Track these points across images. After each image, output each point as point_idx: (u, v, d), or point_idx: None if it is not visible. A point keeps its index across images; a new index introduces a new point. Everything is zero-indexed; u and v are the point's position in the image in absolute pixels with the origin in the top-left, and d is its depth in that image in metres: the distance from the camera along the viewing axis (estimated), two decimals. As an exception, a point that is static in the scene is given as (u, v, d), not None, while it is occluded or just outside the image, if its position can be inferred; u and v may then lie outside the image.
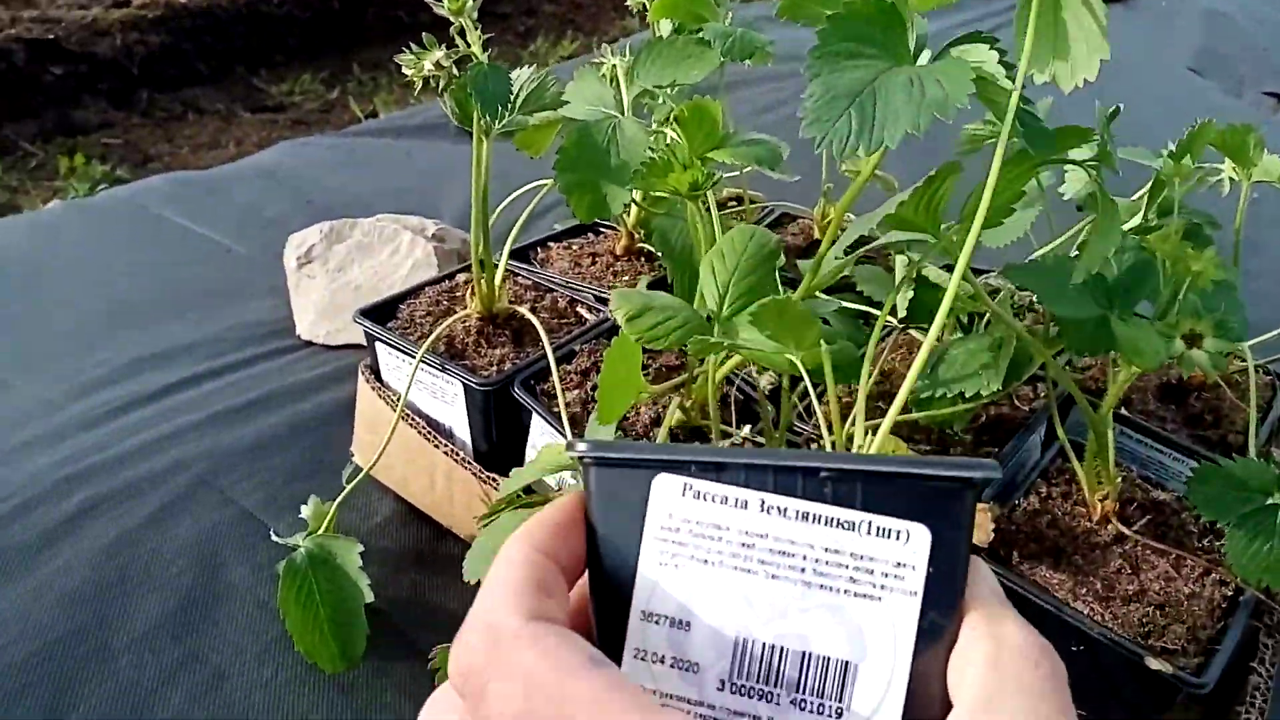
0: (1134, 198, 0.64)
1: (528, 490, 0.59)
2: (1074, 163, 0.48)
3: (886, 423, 0.48)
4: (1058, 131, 0.47)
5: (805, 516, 0.28)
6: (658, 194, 0.69)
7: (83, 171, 2.65)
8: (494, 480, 0.67)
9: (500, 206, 0.80)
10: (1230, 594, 0.54)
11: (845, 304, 0.66)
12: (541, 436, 0.67)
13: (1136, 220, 0.57)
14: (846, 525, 0.28)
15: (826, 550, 0.28)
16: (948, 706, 0.27)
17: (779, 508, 0.28)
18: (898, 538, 0.27)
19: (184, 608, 0.67)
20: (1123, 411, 0.66)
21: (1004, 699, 0.26)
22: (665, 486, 0.29)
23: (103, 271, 1.15)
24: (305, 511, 0.65)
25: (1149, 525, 0.57)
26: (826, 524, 0.28)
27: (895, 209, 0.45)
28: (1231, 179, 0.65)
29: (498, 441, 0.70)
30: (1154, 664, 0.49)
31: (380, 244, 1.03)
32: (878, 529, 0.28)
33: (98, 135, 2.97)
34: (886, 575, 0.28)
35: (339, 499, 0.65)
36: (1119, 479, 0.57)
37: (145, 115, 3.12)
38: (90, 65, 3.20)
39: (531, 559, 0.28)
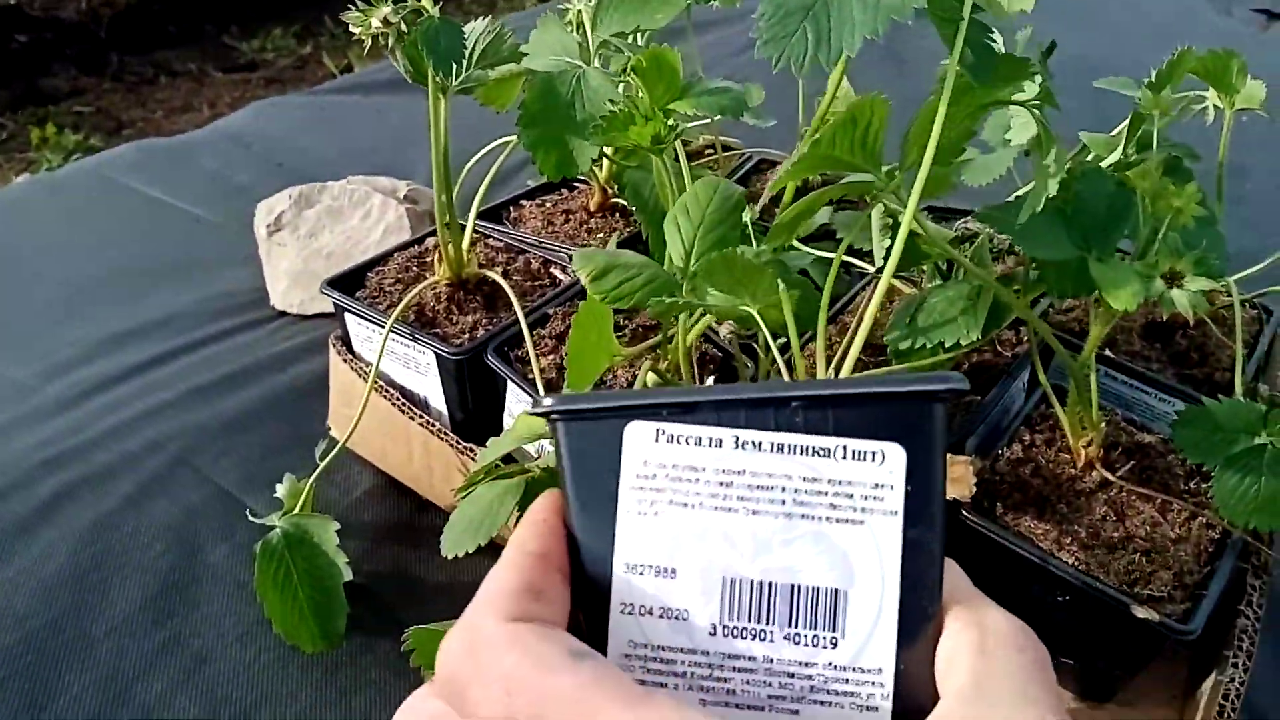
0: (1114, 132, 0.63)
1: (506, 460, 0.58)
2: (1014, 103, 0.46)
3: (848, 364, 0.47)
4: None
5: (780, 448, 0.28)
6: (624, 147, 0.67)
7: (55, 142, 2.61)
8: (471, 451, 0.66)
9: (468, 165, 0.78)
10: (1217, 537, 0.53)
11: (820, 253, 0.64)
12: (518, 404, 0.65)
13: (1115, 156, 0.55)
14: (822, 452, 0.28)
15: (804, 480, 0.28)
16: (936, 697, 0.27)
17: (754, 442, 0.28)
18: (873, 459, 0.27)
19: (164, 591, 0.66)
20: (1106, 353, 0.65)
21: (993, 683, 0.26)
22: (638, 433, 0.28)
23: (72, 247, 1.13)
24: (280, 490, 0.64)
25: (1134, 470, 0.56)
26: (802, 453, 0.28)
27: (810, 148, 0.43)
28: (1215, 106, 0.63)
29: (474, 411, 0.69)
30: (1140, 613, 0.48)
31: (351, 208, 1.01)
32: (853, 453, 0.28)
33: (68, 103, 2.91)
34: (866, 498, 0.27)
35: (313, 476, 0.64)
36: (1103, 423, 0.56)
37: (116, 80, 3.06)
38: (56, 31, 3.13)
39: (519, 562, 0.28)
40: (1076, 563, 0.52)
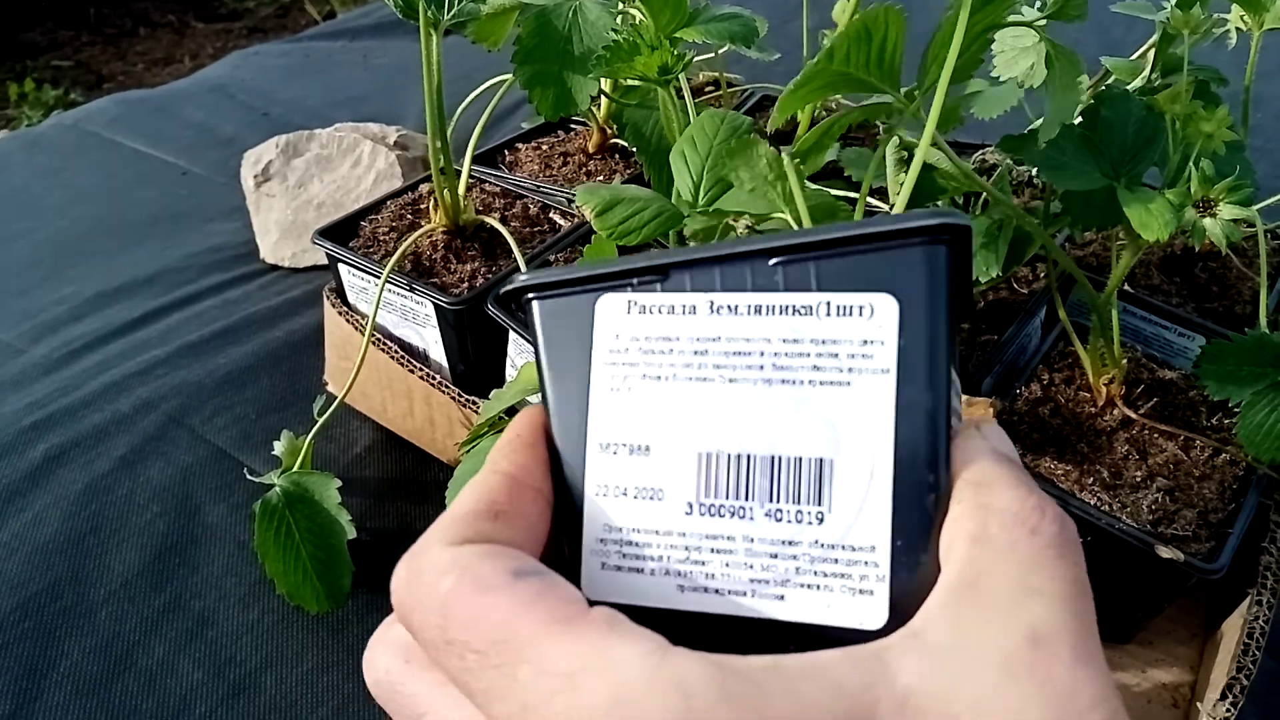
0: (1134, 56, 0.60)
1: (510, 412, 0.56)
2: (1022, 23, 0.43)
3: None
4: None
5: (758, 309, 0.25)
6: (627, 82, 0.64)
7: (34, 98, 2.55)
8: (473, 403, 0.64)
9: (461, 107, 0.75)
10: (1241, 474, 0.52)
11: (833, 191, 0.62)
12: (520, 354, 0.63)
13: (1140, 80, 0.53)
14: (803, 310, 0.25)
15: (784, 342, 0.25)
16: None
17: (729, 306, 0.26)
18: (860, 313, 0.25)
19: (162, 554, 0.65)
20: (1125, 287, 0.63)
21: (989, 576, 0.22)
22: (609, 306, 0.27)
23: (56, 204, 1.10)
24: (278, 447, 0.62)
25: (1156, 407, 0.55)
26: (782, 313, 0.25)
27: (820, 63, 0.40)
28: (1239, 29, 0.60)
29: (475, 362, 0.67)
30: (1165, 553, 0.47)
31: (340, 156, 0.98)
32: (837, 308, 0.25)
33: (47, 58, 2.85)
34: (853, 356, 0.25)
35: (312, 432, 0.62)
36: (1124, 360, 0.55)
37: (94, 33, 2.99)
38: (30, -17, 3.05)
39: (483, 481, 0.26)
40: (1099, 503, 0.50)
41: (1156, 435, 0.54)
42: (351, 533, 0.58)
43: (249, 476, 0.62)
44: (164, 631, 0.60)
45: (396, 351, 0.68)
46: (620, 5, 0.57)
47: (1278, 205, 0.66)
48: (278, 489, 0.58)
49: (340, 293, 0.72)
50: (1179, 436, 0.54)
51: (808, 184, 0.60)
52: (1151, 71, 0.52)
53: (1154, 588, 0.53)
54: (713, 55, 0.82)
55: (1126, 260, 0.50)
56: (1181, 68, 0.52)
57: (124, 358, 0.83)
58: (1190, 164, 0.45)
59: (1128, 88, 0.51)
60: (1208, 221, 0.44)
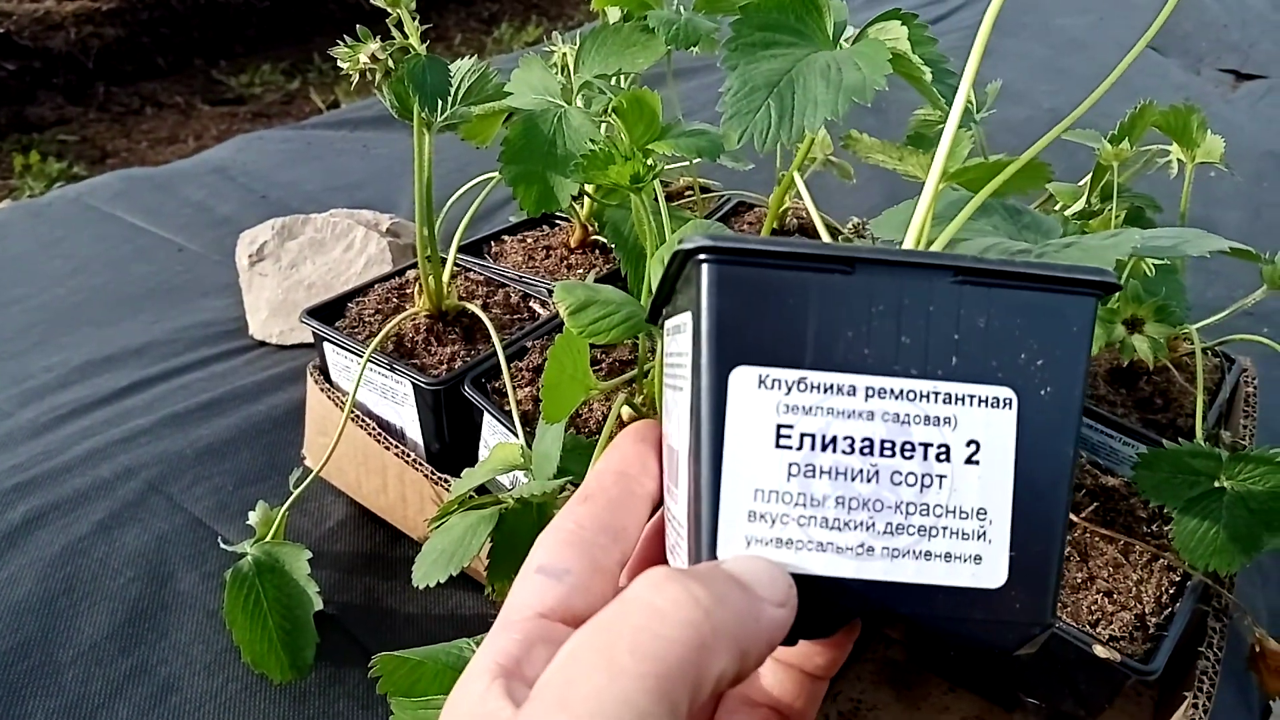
0: (1080, 183, 0.64)
1: (480, 491, 0.58)
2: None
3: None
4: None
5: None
6: (604, 186, 0.68)
7: (38, 169, 2.60)
8: (445, 482, 0.66)
9: (452, 199, 0.79)
10: (1178, 579, 0.54)
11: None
12: (494, 435, 0.66)
13: (1079, 205, 0.57)
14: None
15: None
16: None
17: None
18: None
19: (132, 619, 0.66)
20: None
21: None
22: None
23: (52, 273, 1.13)
24: (253, 518, 0.64)
25: (1098, 511, 0.57)
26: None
27: None
28: (1179, 160, 0.65)
29: (450, 442, 0.69)
30: (1101, 652, 0.49)
31: (333, 240, 1.02)
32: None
33: (53, 132, 2.91)
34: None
35: (287, 504, 0.64)
36: (1068, 465, 0.57)
37: (102, 110, 3.07)
38: (44, 60, 3.14)
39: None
40: (1040, 602, 0.52)
41: (1097, 539, 0.56)
42: (318, 604, 0.60)
43: (223, 545, 0.64)
44: (129, 695, 0.61)
45: (374, 428, 0.70)
46: (603, 115, 0.62)
47: (1222, 323, 0.70)
48: (249, 558, 0.60)
49: (324, 370, 0.75)
50: (1119, 541, 0.56)
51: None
52: (1090, 197, 0.56)
53: (1094, 688, 0.54)
54: (689, 163, 0.87)
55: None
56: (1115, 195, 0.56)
57: (109, 425, 0.85)
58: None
59: (1067, 211, 0.55)
60: (1136, 338, 0.48)
